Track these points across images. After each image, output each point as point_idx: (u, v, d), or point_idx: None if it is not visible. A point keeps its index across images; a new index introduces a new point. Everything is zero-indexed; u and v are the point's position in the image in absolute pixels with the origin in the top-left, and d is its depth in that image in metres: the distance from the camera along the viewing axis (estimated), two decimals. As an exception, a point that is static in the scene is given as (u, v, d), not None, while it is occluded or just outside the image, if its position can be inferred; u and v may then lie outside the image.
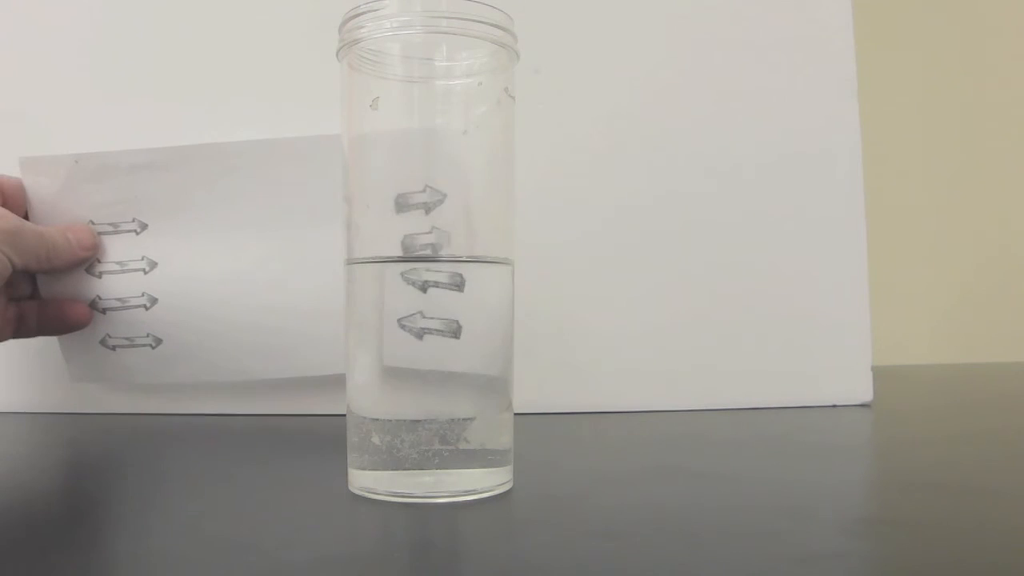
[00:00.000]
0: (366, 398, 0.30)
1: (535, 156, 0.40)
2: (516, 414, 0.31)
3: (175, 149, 0.46)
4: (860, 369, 0.51)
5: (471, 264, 0.30)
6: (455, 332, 0.29)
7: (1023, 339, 0.95)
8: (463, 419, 0.29)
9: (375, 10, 0.29)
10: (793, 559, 0.23)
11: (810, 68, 0.52)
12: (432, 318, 0.29)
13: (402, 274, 0.29)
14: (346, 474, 0.30)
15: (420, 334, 0.29)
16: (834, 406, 0.51)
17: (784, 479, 0.33)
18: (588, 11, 0.51)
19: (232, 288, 0.46)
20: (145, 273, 0.46)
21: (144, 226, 0.47)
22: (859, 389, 0.51)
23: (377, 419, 0.29)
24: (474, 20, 0.29)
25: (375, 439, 0.29)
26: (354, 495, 0.29)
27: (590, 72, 0.51)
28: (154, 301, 0.46)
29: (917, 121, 0.98)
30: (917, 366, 0.86)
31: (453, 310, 0.29)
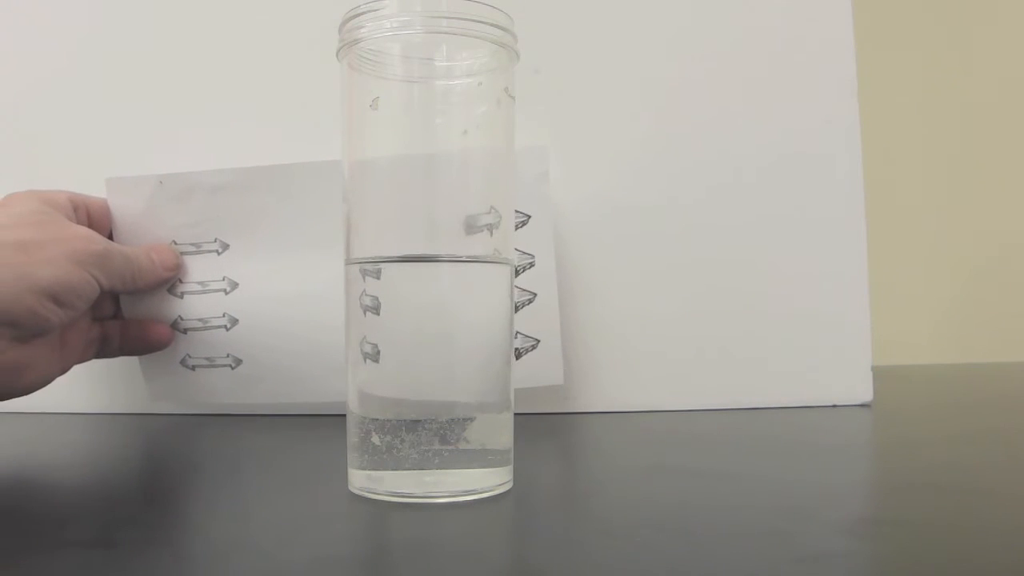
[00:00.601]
0: (366, 398, 0.30)
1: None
2: (516, 414, 0.31)
3: (256, 169, 0.46)
4: (860, 369, 0.51)
5: (471, 264, 0.30)
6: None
7: (1023, 339, 0.95)
8: (463, 419, 0.29)
9: (375, 10, 0.29)
10: (793, 559, 0.23)
11: (810, 68, 0.52)
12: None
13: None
14: (346, 474, 0.30)
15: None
16: (834, 406, 0.51)
17: (784, 479, 0.33)
18: (588, 11, 0.51)
19: (310, 308, 0.46)
20: (226, 293, 0.46)
21: (225, 246, 0.47)
22: (859, 389, 0.51)
23: (377, 419, 0.29)
24: (474, 20, 0.29)
25: (375, 439, 0.29)
26: (354, 495, 0.29)
27: (590, 72, 0.51)
28: (235, 322, 0.46)
29: (917, 121, 0.98)
30: (917, 366, 0.86)
31: (454, 311, 0.29)
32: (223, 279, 0.47)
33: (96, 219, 0.45)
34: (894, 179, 0.95)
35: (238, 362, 0.47)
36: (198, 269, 0.47)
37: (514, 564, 0.23)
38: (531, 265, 0.45)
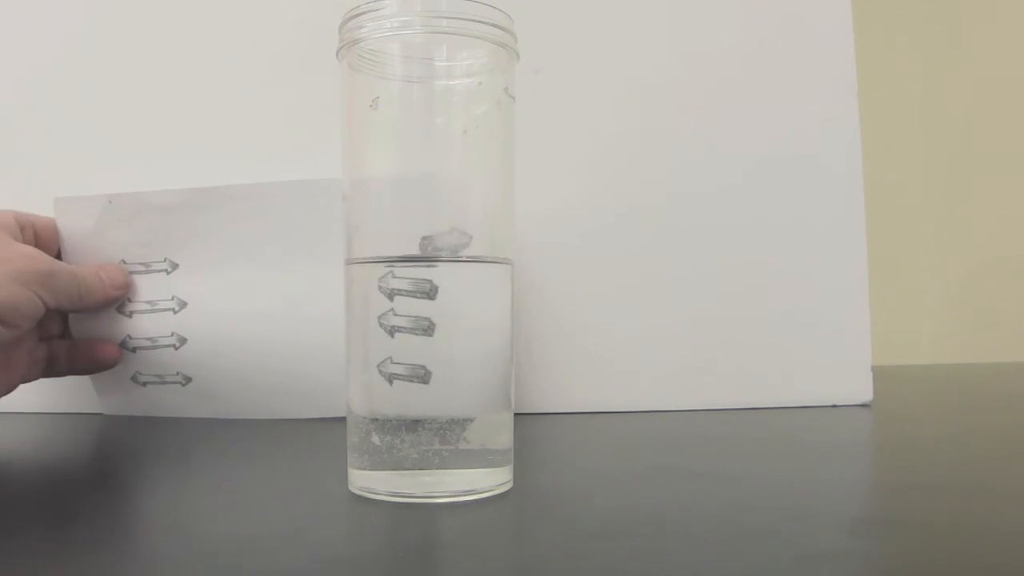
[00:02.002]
0: (366, 398, 0.30)
1: (535, 156, 0.40)
2: (516, 414, 0.31)
3: (206, 190, 0.46)
4: (860, 369, 0.51)
5: (471, 264, 0.30)
6: (426, 330, 0.29)
7: (1023, 339, 0.95)
8: (463, 419, 0.29)
9: (375, 10, 0.29)
10: (793, 559, 0.23)
11: (810, 68, 0.52)
12: (403, 316, 0.29)
13: (378, 280, 0.29)
14: (346, 474, 0.30)
15: (392, 332, 0.29)
16: (834, 406, 0.51)
17: (784, 479, 0.33)
18: (588, 11, 0.51)
19: (260, 328, 0.46)
20: (175, 313, 0.47)
21: (175, 266, 0.47)
22: (859, 389, 0.51)
23: (377, 419, 0.29)
24: (474, 20, 0.29)
25: (375, 439, 0.29)
26: (354, 495, 0.29)
27: (590, 72, 0.51)
28: (183, 341, 0.46)
29: (917, 121, 0.98)
30: (917, 366, 0.86)
31: (454, 312, 0.29)
32: (172, 298, 0.47)
33: (43, 239, 0.45)
34: (894, 179, 0.95)
35: (188, 379, 0.47)
36: (147, 288, 0.47)
37: (514, 564, 0.23)
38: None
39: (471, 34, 0.29)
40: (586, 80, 0.51)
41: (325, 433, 0.43)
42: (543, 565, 0.23)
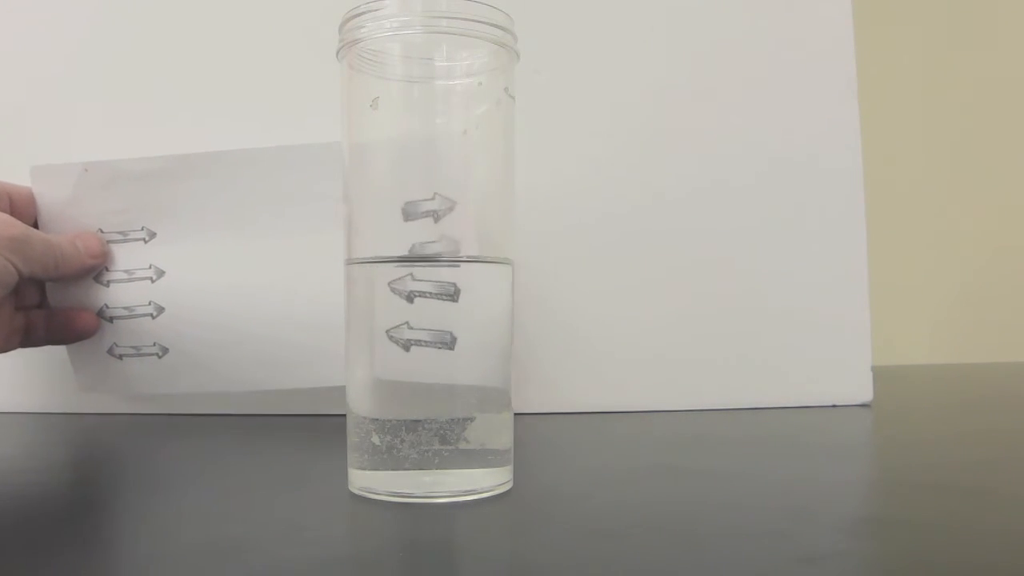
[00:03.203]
0: (366, 398, 0.30)
1: (535, 156, 0.40)
2: (516, 414, 0.31)
3: (184, 157, 0.46)
4: (860, 369, 0.51)
5: (471, 264, 0.30)
6: (448, 343, 0.29)
7: (1023, 339, 0.95)
8: (463, 419, 0.29)
9: (375, 10, 0.29)
10: (793, 559, 0.23)
11: (810, 68, 0.52)
12: (422, 329, 0.29)
13: (390, 284, 0.29)
14: (346, 474, 0.30)
15: (408, 345, 0.29)
16: (834, 406, 0.51)
17: (784, 479, 0.33)
18: (588, 11, 0.51)
19: (239, 297, 0.46)
20: (152, 282, 0.46)
21: (152, 234, 0.46)
22: (859, 389, 0.51)
23: (377, 419, 0.29)
24: (474, 20, 0.29)
25: (375, 439, 0.29)
26: (354, 495, 0.29)
27: (590, 72, 0.51)
28: (161, 310, 0.46)
29: (917, 121, 0.98)
30: (917, 366, 0.86)
31: (454, 313, 0.29)
32: (150, 267, 0.46)
33: (19, 207, 0.45)
34: (894, 179, 0.95)
35: (164, 351, 0.47)
36: (124, 257, 0.46)
37: (514, 564, 0.23)
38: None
39: (471, 34, 0.29)
40: (586, 80, 0.51)
41: (325, 433, 0.43)
42: (543, 565, 0.23)
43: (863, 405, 0.51)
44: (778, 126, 0.51)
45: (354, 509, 0.29)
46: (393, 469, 0.29)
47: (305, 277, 0.45)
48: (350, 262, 0.30)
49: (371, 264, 0.30)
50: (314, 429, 0.45)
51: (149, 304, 0.46)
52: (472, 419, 0.29)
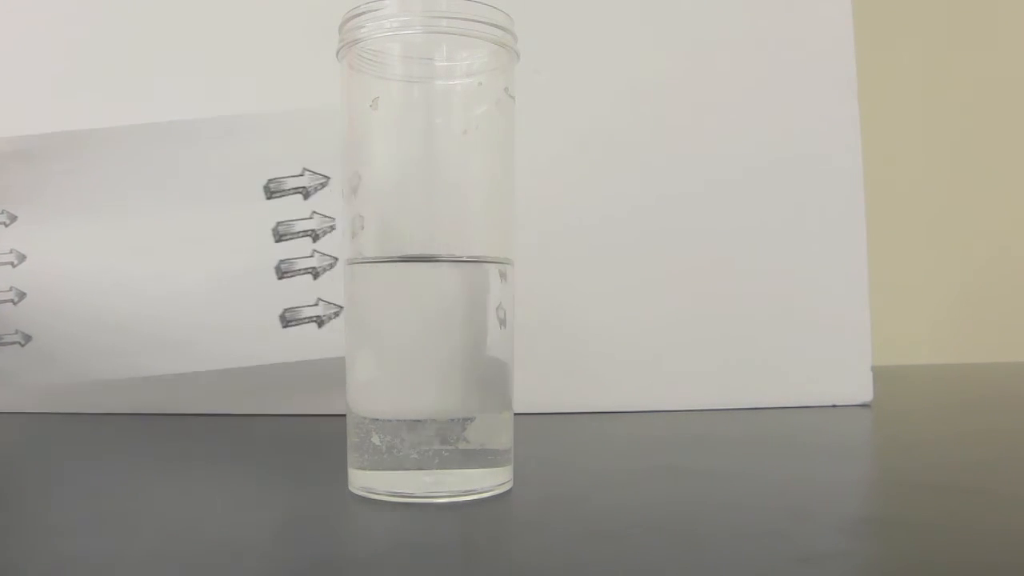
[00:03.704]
0: (366, 398, 0.30)
1: (535, 156, 0.40)
2: (516, 414, 0.31)
3: (42, 136, 0.44)
4: (860, 369, 0.51)
5: (471, 264, 0.30)
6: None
7: (1023, 339, 0.95)
8: (463, 419, 0.29)
9: (375, 10, 0.29)
10: (793, 559, 0.23)
11: (810, 68, 0.52)
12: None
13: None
14: (346, 474, 0.30)
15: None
16: (834, 406, 0.51)
17: (784, 479, 0.33)
18: (588, 11, 0.51)
19: (105, 280, 0.44)
20: (14, 266, 0.45)
21: (13, 218, 0.45)
22: (859, 389, 0.51)
23: (377, 419, 0.29)
24: (474, 20, 0.29)
25: (375, 439, 0.29)
26: (354, 495, 0.29)
27: (590, 72, 0.51)
28: (23, 296, 0.45)
29: (917, 121, 0.98)
30: (917, 366, 0.86)
31: (454, 312, 0.29)
32: (11, 251, 0.45)
33: None
34: (894, 179, 0.95)
35: (27, 339, 0.45)
36: None
37: (514, 564, 0.23)
38: (331, 228, 0.41)
39: (471, 34, 0.29)
40: (586, 80, 0.51)
41: (325, 433, 0.43)
42: (543, 565, 0.23)
43: (863, 405, 0.51)
44: (778, 126, 0.51)
45: (354, 509, 0.29)
46: (393, 469, 0.29)
47: (177, 256, 0.43)
48: (352, 262, 0.30)
49: (373, 264, 0.30)
50: (314, 429, 0.45)
51: (11, 290, 0.45)
52: (472, 419, 0.29)
